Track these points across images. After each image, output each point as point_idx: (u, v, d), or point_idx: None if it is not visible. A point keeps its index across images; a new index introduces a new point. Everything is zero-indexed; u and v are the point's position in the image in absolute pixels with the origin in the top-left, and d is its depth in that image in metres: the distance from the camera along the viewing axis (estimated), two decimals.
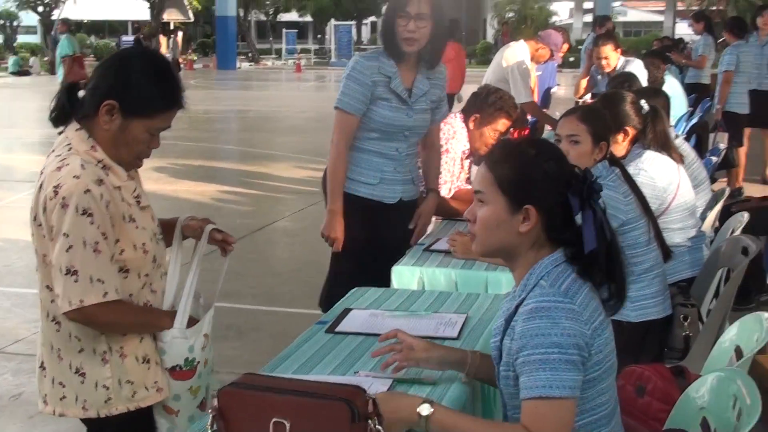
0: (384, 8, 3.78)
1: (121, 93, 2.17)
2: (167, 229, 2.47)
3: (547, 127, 7.31)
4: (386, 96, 3.63)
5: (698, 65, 10.94)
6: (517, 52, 7.11)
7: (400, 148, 3.74)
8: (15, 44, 44.39)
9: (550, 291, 1.91)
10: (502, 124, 4.26)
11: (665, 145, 3.90)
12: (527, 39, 7.30)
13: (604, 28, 10.63)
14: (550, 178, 1.97)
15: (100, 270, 2.11)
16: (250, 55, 41.38)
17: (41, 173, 2.19)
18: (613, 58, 7.05)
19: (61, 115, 2.25)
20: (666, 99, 4.84)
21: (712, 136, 7.56)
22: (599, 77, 7.51)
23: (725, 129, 7.76)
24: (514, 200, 1.97)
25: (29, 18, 44.09)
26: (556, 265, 1.97)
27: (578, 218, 1.96)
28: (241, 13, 40.55)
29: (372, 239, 3.74)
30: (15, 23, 48.26)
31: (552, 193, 1.96)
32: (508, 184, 1.98)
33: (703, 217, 4.34)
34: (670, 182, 3.83)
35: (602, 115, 3.63)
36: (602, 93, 4.93)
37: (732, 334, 2.53)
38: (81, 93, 2.22)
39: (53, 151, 2.22)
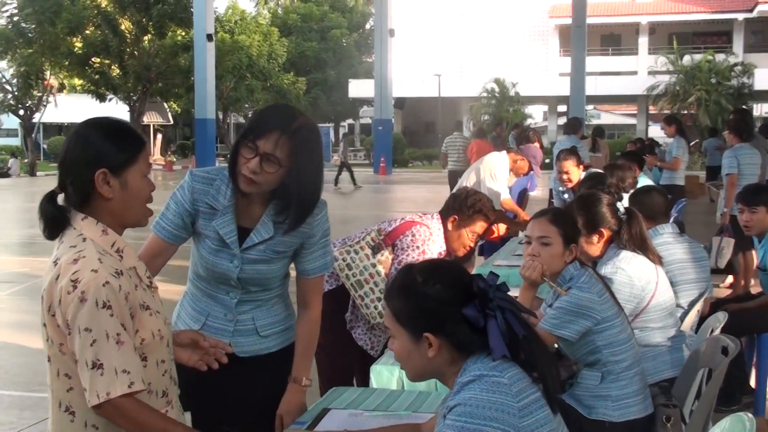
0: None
1: (101, 157, 2.17)
2: None
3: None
4: (207, 233, 2.80)
5: (672, 167, 11.14)
6: (496, 162, 7.35)
7: (232, 293, 2.86)
8: None
9: (480, 365, 1.97)
10: (480, 226, 4.31)
11: (642, 247, 3.94)
12: (509, 151, 7.56)
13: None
14: (439, 302, 2.01)
15: (124, 361, 2.09)
16: (228, 156, 41.69)
17: (55, 263, 2.16)
18: (574, 173, 7.23)
19: (54, 225, 2.21)
20: (664, 196, 4.92)
21: (716, 240, 7.59)
22: (564, 195, 7.64)
23: (732, 234, 7.77)
24: (413, 330, 2.03)
25: (10, 121, 44.40)
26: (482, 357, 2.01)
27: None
28: (220, 116, 41.06)
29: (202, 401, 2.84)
30: None
31: (446, 316, 2.00)
32: (402, 317, 2.05)
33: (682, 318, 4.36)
34: (648, 281, 3.85)
35: (573, 217, 3.70)
36: (578, 194, 4.99)
37: None
38: (60, 196, 2.22)
39: (62, 242, 2.19)
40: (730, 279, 9.05)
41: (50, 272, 2.17)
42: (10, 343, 7.17)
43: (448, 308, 1.99)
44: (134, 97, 37.75)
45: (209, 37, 29.11)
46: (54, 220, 2.21)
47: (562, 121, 40.16)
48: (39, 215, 2.20)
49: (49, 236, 2.22)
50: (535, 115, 46.52)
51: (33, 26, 34.53)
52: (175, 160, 39.56)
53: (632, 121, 52.01)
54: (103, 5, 36.08)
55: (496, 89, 39.87)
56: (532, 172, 7.88)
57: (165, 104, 44.88)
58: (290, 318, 3.04)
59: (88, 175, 2.16)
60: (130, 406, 2.11)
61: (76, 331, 2.08)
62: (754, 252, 8.57)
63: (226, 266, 2.80)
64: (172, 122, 46.55)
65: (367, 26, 53.47)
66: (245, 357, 2.89)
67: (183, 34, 36.40)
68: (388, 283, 2.16)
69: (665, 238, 4.59)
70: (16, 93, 36.10)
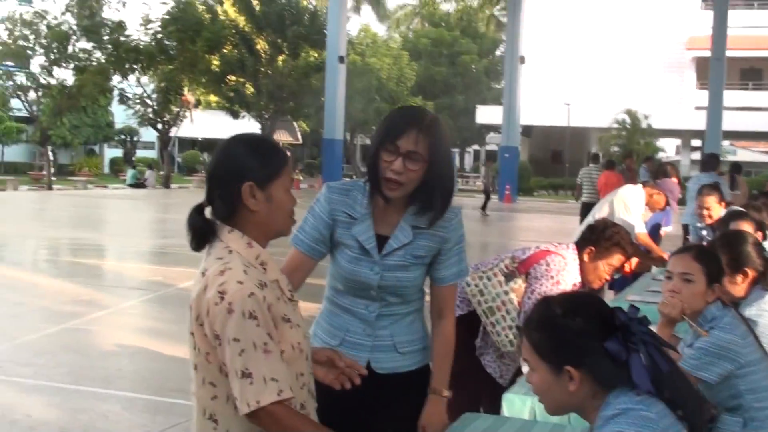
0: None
1: (249, 170, 2.24)
2: None
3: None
4: (346, 242, 2.84)
5: None
6: (632, 194, 7.21)
7: (371, 307, 2.88)
8: (134, 159, 46.68)
9: (625, 399, 1.92)
10: (618, 259, 4.22)
11: None
12: (645, 185, 7.41)
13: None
14: (581, 335, 1.96)
15: (272, 370, 2.14)
16: (353, 177, 42.50)
17: (203, 275, 2.23)
18: (715, 210, 6.95)
19: (202, 237, 2.28)
20: None
21: None
22: (702, 231, 7.36)
23: None
24: (554, 364, 1.99)
25: (148, 134, 46.35)
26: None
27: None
28: (348, 137, 41.75)
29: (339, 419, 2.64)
30: (135, 138, 50.90)
31: (588, 350, 1.96)
32: (543, 350, 2.01)
33: None
34: None
35: (718, 256, 3.55)
36: (722, 232, 4.80)
37: None
38: (207, 209, 2.28)
39: (210, 254, 2.26)
40: None
41: (198, 283, 2.23)
42: (144, 348, 7.44)
43: (590, 342, 1.95)
44: (266, 116, 38.81)
45: (341, 59, 29.69)
46: (201, 232, 2.27)
47: (696, 155, 39.09)
48: (187, 227, 2.27)
49: (196, 248, 2.29)
50: (667, 148, 45.38)
51: (174, 44, 35.98)
52: (302, 178, 40.40)
53: None
54: (241, 25, 37.33)
55: (627, 120, 39.08)
56: (668, 207, 7.66)
57: (294, 123, 45.98)
58: (427, 338, 3.03)
59: (235, 187, 2.23)
60: (282, 413, 2.15)
61: (225, 341, 2.13)
62: None
63: (366, 274, 2.83)
64: (300, 141, 47.58)
65: (497, 52, 53.45)
66: (384, 374, 2.89)
67: (316, 55, 37.26)
68: (527, 315, 2.12)
69: None
70: (155, 107, 37.65)
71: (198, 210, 2.28)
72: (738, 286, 3.85)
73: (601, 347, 1.94)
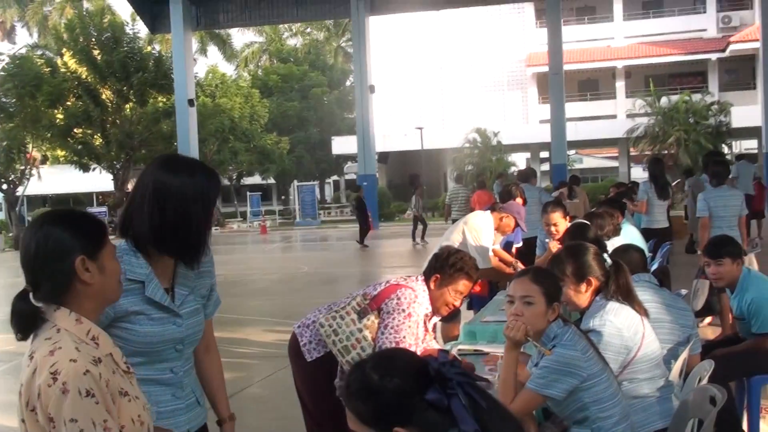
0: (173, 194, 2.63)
1: (77, 245, 2.19)
2: None
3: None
4: (140, 307, 2.63)
5: (639, 210, 11.11)
6: (481, 221, 7.38)
7: (176, 367, 2.75)
8: None
9: None
10: (463, 285, 4.33)
11: (628, 297, 3.95)
12: (493, 210, 7.58)
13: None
14: (401, 395, 2.00)
15: None
16: (218, 218, 41.99)
17: (31, 358, 2.15)
18: (561, 225, 7.21)
19: (30, 324, 2.21)
20: (641, 253, 4.97)
21: (694, 282, 7.60)
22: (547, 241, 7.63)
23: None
24: (381, 428, 2.02)
25: None
26: None
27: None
28: None
29: None
30: None
31: (411, 407, 2.00)
32: (367, 418, 2.03)
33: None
34: (635, 332, 3.85)
35: (554, 276, 3.71)
36: (567, 244, 5.00)
37: None
38: (31, 295, 2.21)
39: (36, 336, 2.19)
40: (708, 320, 9.04)
41: (27, 367, 2.15)
42: (2, 425, 7.08)
43: (411, 399, 1.99)
44: (118, 166, 37.81)
45: (191, 102, 29.35)
46: (29, 319, 2.20)
47: (546, 167, 40.51)
48: (12, 317, 2.20)
49: (24, 336, 2.21)
50: (519, 162, 46.86)
51: (13, 100, 34.62)
52: None
53: (615, 163, 52.37)
54: (83, 76, 36.31)
55: (478, 139, 40.20)
56: (517, 227, 7.90)
57: None
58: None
59: (66, 265, 2.18)
60: None
61: (61, 423, 2.06)
62: None
63: (173, 331, 2.70)
64: None
65: (348, 83, 54.00)
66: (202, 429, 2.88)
67: (164, 100, 36.64)
68: (342, 384, 2.11)
69: (641, 285, 4.57)
70: None
71: (22, 297, 2.21)
72: (582, 295, 4.03)
73: (422, 401, 1.98)
